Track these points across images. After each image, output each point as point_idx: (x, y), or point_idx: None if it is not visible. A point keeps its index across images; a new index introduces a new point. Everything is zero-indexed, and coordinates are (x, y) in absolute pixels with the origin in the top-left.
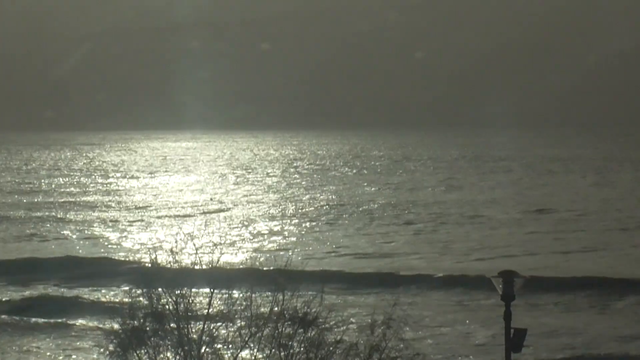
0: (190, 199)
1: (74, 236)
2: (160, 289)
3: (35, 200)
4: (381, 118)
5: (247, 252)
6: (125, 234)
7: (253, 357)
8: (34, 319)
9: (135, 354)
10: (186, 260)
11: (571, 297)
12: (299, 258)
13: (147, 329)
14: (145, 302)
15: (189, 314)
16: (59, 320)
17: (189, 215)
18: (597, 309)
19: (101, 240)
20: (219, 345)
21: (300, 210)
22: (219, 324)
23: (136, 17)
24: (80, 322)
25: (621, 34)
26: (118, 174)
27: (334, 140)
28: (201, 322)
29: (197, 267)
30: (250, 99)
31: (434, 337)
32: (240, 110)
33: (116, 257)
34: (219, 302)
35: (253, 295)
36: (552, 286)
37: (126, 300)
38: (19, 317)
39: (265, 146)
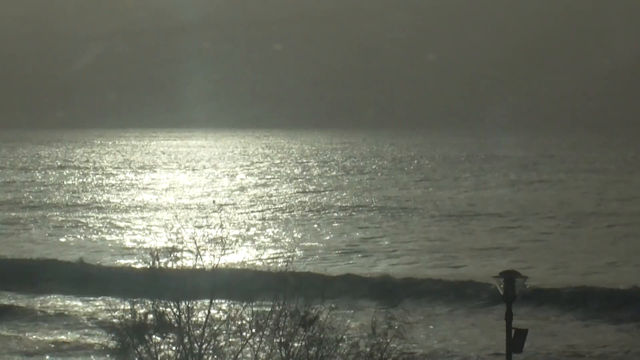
0: (192, 198)
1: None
2: (161, 287)
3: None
4: (392, 119)
5: (249, 251)
6: (127, 234)
7: (254, 355)
8: None
9: (135, 351)
10: (187, 258)
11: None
12: (301, 258)
13: (148, 325)
14: (146, 300)
15: (190, 311)
16: None
17: (191, 214)
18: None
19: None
20: (221, 343)
21: (304, 210)
22: (220, 322)
23: (147, 17)
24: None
25: (630, 36)
26: (120, 172)
27: (344, 140)
28: (202, 320)
29: (198, 265)
30: (261, 100)
31: (435, 342)
32: (252, 110)
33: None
34: (220, 300)
35: (254, 293)
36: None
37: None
38: None
39: (275, 146)
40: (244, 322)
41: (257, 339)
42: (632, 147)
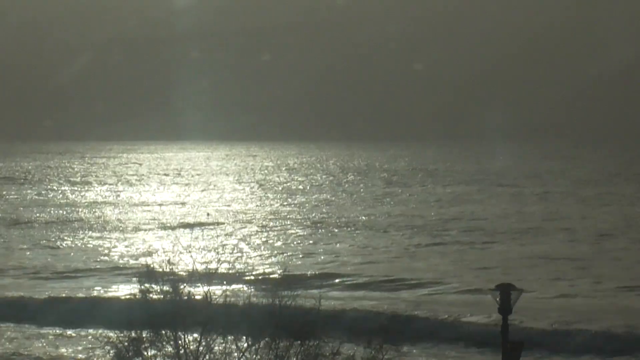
0: (186, 210)
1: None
2: (157, 298)
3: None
4: (381, 129)
5: (245, 263)
6: (119, 244)
7: None
8: None
9: None
10: (183, 271)
11: None
12: (297, 269)
13: (144, 339)
14: (142, 311)
15: (186, 325)
16: None
17: (185, 227)
18: None
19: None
20: (216, 357)
21: (299, 223)
22: (215, 335)
23: (137, 27)
24: None
25: (623, 46)
26: (108, 185)
27: (335, 152)
28: (198, 333)
29: (194, 277)
30: (251, 110)
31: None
32: (241, 120)
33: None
34: (216, 313)
35: (251, 304)
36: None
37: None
38: None
39: (266, 157)
40: (239, 335)
41: (253, 352)
42: (622, 159)
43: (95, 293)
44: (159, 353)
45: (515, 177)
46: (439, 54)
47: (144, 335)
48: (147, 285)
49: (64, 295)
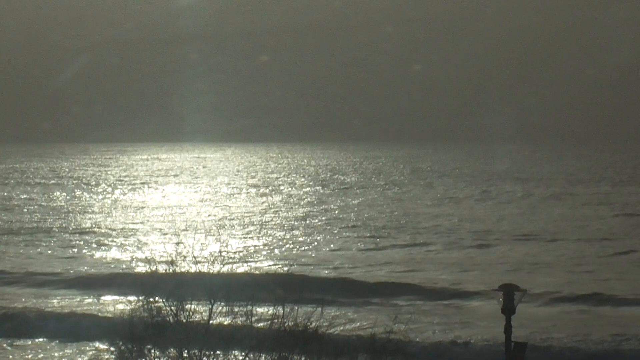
0: (187, 212)
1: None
2: (160, 301)
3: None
4: (380, 131)
5: (247, 264)
6: (121, 247)
7: None
8: None
9: None
10: (186, 273)
11: None
12: (299, 270)
13: (147, 341)
14: (145, 314)
15: (189, 326)
16: None
17: (187, 229)
18: None
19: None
20: (220, 358)
21: (300, 223)
22: (219, 337)
23: (136, 29)
24: None
25: (623, 46)
26: (110, 187)
27: (333, 153)
28: (201, 335)
29: (197, 279)
30: (250, 111)
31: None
32: (240, 122)
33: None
34: (219, 315)
35: (254, 307)
36: None
37: None
38: None
39: (265, 158)
40: (242, 337)
41: (257, 354)
42: (621, 159)
43: (95, 296)
44: (162, 356)
45: (517, 177)
46: (438, 55)
47: (147, 337)
48: (149, 288)
49: (63, 303)
